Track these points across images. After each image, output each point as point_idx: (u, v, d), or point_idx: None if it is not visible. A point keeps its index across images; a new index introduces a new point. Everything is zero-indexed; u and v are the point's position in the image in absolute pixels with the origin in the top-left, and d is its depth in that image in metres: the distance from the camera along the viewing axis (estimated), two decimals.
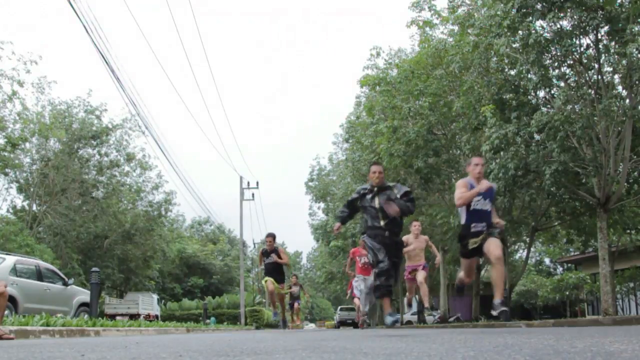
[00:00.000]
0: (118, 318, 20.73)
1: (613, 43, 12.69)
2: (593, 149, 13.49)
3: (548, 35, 13.10)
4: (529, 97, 14.86)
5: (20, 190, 28.68)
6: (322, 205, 38.96)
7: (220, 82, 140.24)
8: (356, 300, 15.12)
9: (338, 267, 35.36)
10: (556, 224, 20.49)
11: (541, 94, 14.96)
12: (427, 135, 17.53)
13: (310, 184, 39.94)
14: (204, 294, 55.12)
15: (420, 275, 10.30)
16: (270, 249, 11.71)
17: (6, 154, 22.38)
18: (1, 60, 21.22)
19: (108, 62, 13.59)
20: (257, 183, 37.92)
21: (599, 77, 13.30)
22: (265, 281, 11.65)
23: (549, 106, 14.28)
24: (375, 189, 6.40)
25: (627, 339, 3.04)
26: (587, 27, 12.44)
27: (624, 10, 12.08)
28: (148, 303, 29.49)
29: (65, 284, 13.11)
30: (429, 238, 11.06)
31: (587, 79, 13.71)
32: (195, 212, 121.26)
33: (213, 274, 61.18)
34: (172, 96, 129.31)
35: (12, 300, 10.45)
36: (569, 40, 12.58)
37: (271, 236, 11.87)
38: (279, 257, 11.75)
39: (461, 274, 6.98)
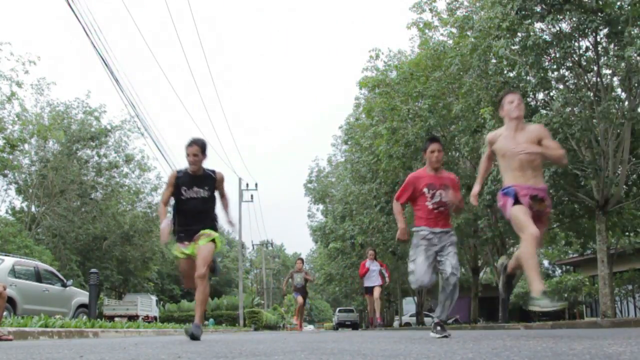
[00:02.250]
0: (117, 319, 20.69)
1: (612, 45, 12.71)
2: (592, 151, 13.51)
3: (547, 37, 13.12)
4: (528, 99, 14.87)
5: (19, 191, 28.67)
6: (320, 207, 38.97)
7: (219, 83, 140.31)
8: (368, 296, 12.97)
9: (337, 268, 35.34)
10: (555, 226, 20.48)
11: (540, 96, 14.99)
12: (427, 137, 17.53)
13: (309, 185, 39.96)
14: None
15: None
16: (195, 162, 5.60)
17: (5, 155, 22.36)
18: (0, 61, 21.20)
19: (107, 63, 13.60)
20: (256, 184, 37.98)
21: (598, 79, 13.32)
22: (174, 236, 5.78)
23: (548, 108, 14.30)
24: None
25: (626, 341, 3.04)
26: (587, 30, 12.45)
27: (623, 12, 12.10)
28: (147, 304, 29.46)
29: (64, 285, 13.10)
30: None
31: (586, 81, 13.74)
32: None
33: (212, 275, 61.12)
34: (171, 97, 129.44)
35: (10, 301, 10.44)
36: (568, 43, 12.60)
37: (197, 144, 5.59)
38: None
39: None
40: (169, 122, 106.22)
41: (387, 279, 13.13)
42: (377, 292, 12.83)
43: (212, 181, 5.74)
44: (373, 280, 12.83)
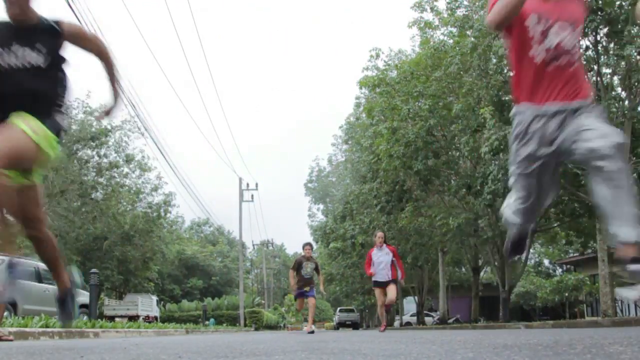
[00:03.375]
0: (117, 319, 20.72)
1: (612, 44, 12.72)
2: None
3: None
4: None
5: None
6: (321, 206, 39.00)
7: (219, 83, 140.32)
8: (378, 293, 9.71)
9: (337, 268, 35.36)
10: (555, 225, 20.51)
11: None
12: (427, 136, 17.55)
13: (310, 185, 40.05)
14: (203, 295, 55.18)
15: None
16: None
17: None
18: None
19: None
20: (257, 184, 38.08)
21: (598, 78, 13.32)
22: None
23: None
24: None
25: (627, 341, 3.04)
26: (586, 29, 12.46)
27: (623, 12, 12.10)
28: (147, 304, 29.49)
29: None
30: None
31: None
32: (194, 214, 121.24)
33: (212, 275, 61.20)
34: (171, 97, 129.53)
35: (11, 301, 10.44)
36: None
37: None
38: None
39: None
40: (169, 122, 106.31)
41: (399, 273, 9.81)
42: (391, 292, 9.63)
43: (52, 39, 3.14)
44: (382, 274, 9.68)
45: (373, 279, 9.78)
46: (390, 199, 19.93)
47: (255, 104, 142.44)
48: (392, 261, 9.68)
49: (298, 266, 10.22)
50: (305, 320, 11.14)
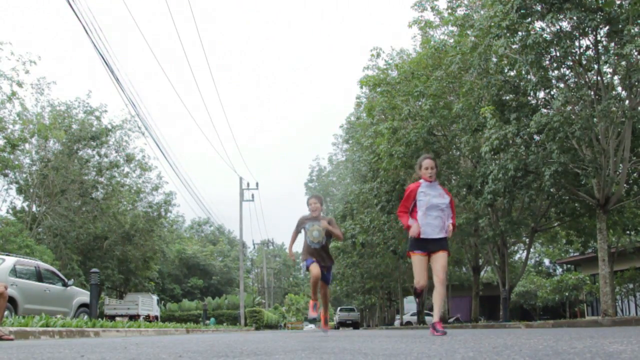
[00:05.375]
0: (118, 319, 20.73)
1: (612, 44, 12.70)
2: (592, 150, 13.49)
3: (547, 36, 13.11)
4: (528, 98, 14.86)
5: (19, 191, 28.68)
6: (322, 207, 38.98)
7: (220, 82, 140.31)
8: (417, 262, 5.65)
9: (338, 268, 35.36)
10: (556, 224, 20.49)
11: (541, 95, 14.98)
12: (427, 136, 17.53)
13: (310, 184, 39.99)
14: (203, 294, 55.22)
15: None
16: None
17: (6, 154, 22.35)
18: (0, 61, 21.22)
19: (107, 62, 13.60)
20: (257, 184, 38.09)
21: (599, 78, 13.30)
22: None
23: (548, 107, 14.30)
24: None
25: (627, 340, 3.04)
26: (587, 28, 12.44)
27: (623, 11, 12.09)
28: (148, 304, 29.51)
29: (65, 284, 13.11)
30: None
31: (587, 80, 13.73)
32: (195, 213, 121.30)
33: (213, 274, 61.25)
34: (172, 97, 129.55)
35: (12, 301, 10.45)
36: (568, 41, 12.59)
37: None
38: None
39: None
40: (170, 122, 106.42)
41: (449, 226, 5.60)
42: (441, 262, 5.78)
43: None
44: (434, 226, 5.53)
45: (416, 234, 5.50)
46: (391, 199, 19.91)
47: (256, 103, 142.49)
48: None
49: (301, 229, 6.94)
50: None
